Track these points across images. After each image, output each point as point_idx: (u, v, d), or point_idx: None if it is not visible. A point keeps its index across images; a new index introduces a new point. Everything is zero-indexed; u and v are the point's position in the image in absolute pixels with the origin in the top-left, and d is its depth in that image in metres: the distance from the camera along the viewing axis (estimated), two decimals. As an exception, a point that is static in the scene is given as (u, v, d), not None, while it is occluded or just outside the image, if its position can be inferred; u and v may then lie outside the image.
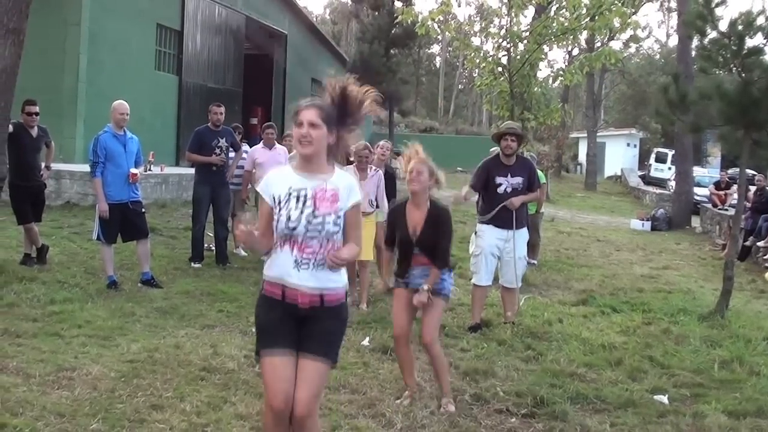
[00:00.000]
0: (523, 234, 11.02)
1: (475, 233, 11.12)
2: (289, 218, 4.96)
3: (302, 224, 4.96)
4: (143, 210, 12.31)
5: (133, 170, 11.82)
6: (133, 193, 11.91)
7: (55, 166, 15.82)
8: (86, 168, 20.60)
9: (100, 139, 11.76)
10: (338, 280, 5.14)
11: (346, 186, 5.12)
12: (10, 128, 12.02)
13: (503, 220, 10.75)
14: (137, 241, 12.19)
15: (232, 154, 14.21)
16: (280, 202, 5.04)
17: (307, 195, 5.01)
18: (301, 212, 4.97)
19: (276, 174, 5.23)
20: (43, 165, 13.06)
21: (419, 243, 7.47)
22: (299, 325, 5.09)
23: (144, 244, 12.17)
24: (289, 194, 5.03)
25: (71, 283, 11.51)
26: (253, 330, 9.77)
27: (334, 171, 5.17)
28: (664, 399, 8.00)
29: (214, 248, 14.33)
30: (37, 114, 12.65)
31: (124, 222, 11.88)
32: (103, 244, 11.91)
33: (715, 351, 10.03)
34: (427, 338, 7.55)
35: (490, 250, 10.79)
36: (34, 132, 12.68)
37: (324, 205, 5.00)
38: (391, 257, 8.00)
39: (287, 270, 5.02)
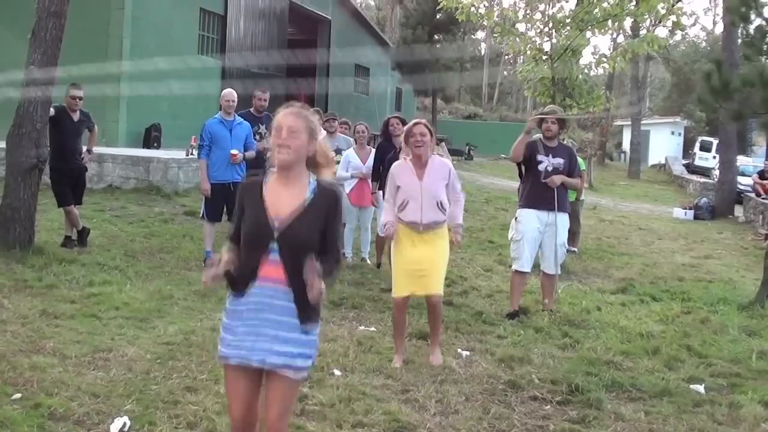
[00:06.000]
0: (565, 220, 10.90)
1: (516, 219, 11.04)
2: None
3: None
4: None
5: (233, 151, 12.39)
6: (237, 174, 12.48)
7: (98, 149, 15.95)
8: (128, 151, 20.93)
9: (207, 124, 12.62)
10: None
11: None
12: (52, 111, 12.15)
13: (544, 201, 10.64)
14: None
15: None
16: None
17: None
18: None
19: None
20: (84, 149, 13.14)
21: (283, 238, 4.72)
22: None
23: None
24: None
25: (111, 266, 11.60)
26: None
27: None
28: (701, 388, 7.94)
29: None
30: (80, 98, 12.75)
31: (226, 201, 12.43)
32: (205, 222, 12.66)
33: (754, 341, 9.94)
34: None
35: (531, 235, 10.68)
36: (76, 116, 12.76)
37: None
38: (231, 258, 4.83)
39: None
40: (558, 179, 10.56)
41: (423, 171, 8.20)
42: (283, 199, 4.82)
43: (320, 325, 4.92)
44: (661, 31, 46.04)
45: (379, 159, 12.74)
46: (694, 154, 54.70)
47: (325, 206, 4.84)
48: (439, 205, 8.12)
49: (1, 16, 23.39)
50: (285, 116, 4.87)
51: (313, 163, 4.94)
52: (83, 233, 12.97)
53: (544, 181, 10.54)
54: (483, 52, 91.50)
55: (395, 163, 8.48)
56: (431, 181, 8.16)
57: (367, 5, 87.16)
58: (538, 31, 19.97)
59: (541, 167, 10.64)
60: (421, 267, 8.10)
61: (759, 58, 12.65)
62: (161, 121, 25.57)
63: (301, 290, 4.61)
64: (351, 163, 13.38)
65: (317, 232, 4.76)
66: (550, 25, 19.21)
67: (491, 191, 27.09)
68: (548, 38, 19.22)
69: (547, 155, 10.68)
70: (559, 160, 10.69)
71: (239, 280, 4.78)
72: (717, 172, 36.18)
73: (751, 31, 12.37)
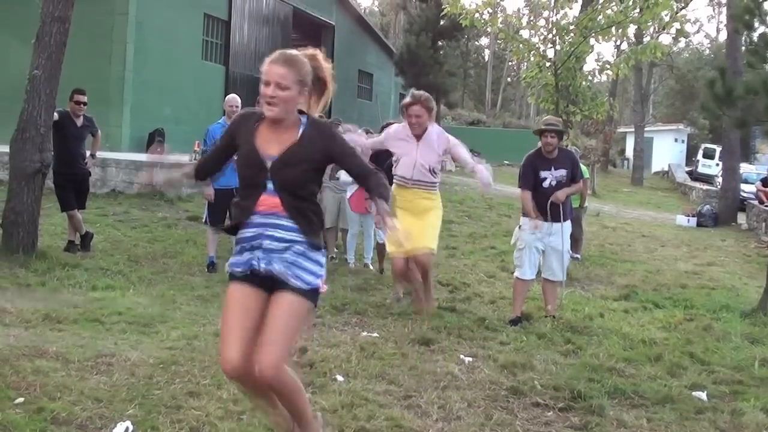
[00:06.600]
0: (567, 226, 10.93)
1: (519, 226, 11.04)
2: None
3: None
4: None
5: (235, 157, 12.13)
6: None
7: (102, 154, 15.98)
8: (132, 156, 20.91)
9: (210, 129, 12.62)
10: None
11: None
12: (55, 116, 12.17)
13: (550, 213, 10.66)
14: None
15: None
16: None
17: None
18: None
19: None
20: (88, 153, 13.16)
21: (277, 173, 4.57)
22: None
23: None
24: None
25: (114, 271, 11.63)
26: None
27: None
28: (703, 395, 7.90)
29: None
30: (84, 104, 12.79)
31: (229, 207, 12.38)
32: (208, 227, 12.69)
33: (757, 348, 9.88)
34: (268, 367, 4.42)
35: (534, 244, 10.68)
36: (80, 121, 12.81)
37: None
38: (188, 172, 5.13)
39: None
40: (562, 195, 10.56)
41: (421, 135, 8.42)
42: (274, 140, 4.67)
43: (325, 255, 4.85)
44: (665, 39, 46.10)
45: (374, 164, 12.75)
46: (697, 161, 54.71)
47: (320, 138, 4.72)
48: (431, 169, 8.25)
49: (6, 21, 23.42)
50: (272, 66, 4.64)
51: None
52: (86, 238, 12.99)
53: (550, 200, 10.56)
54: (486, 57, 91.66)
55: (395, 126, 8.65)
56: (426, 147, 8.36)
57: (371, 11, 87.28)
58: (542, 37, 19.97)
59: (545, 183, 10.64)
60: (410, 229, 8.05)
61: (762, 65, 12.67)
62: (165, 126, 25.58)
63: (299, 219, 4.58)
64: (354, 168, 13.38)
65: (313, 164, 4.63)
66: (554, 31, 19.23)
67: (494, 197, 26.99)
68: (552, 45, 19.24)
69: (549, 168, 10.66)
70: (562, 172, 10.68)
71: (238, 218, 4.68)
72: (720, 180, 36.20)
73: (755, 38, 12.40)
